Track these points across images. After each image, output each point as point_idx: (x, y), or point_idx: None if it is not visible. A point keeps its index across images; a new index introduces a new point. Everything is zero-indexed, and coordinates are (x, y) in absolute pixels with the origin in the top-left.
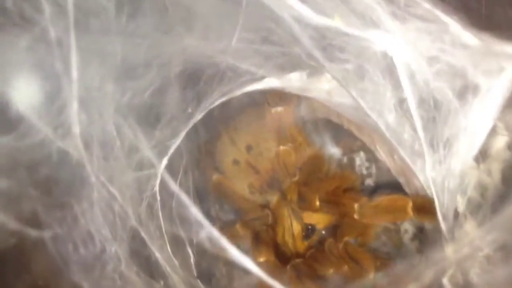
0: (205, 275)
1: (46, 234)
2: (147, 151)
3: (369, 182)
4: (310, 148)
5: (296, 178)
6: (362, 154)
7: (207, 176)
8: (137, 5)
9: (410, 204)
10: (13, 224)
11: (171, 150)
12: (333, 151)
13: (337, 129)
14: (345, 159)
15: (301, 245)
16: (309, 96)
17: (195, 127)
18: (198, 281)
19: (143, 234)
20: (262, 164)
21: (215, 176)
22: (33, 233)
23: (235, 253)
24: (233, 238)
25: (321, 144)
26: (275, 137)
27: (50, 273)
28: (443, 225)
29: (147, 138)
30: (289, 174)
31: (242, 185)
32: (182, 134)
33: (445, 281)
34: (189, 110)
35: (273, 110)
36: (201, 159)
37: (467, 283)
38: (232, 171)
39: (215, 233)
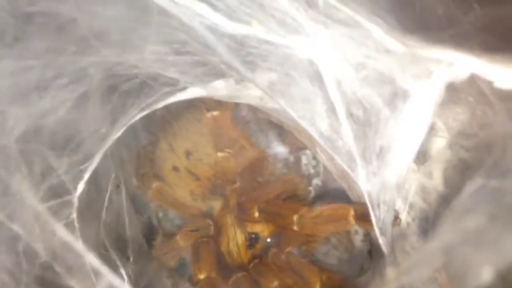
0: None
1: None
2: (58, 177)
3: (317, 181)
4: (254, 150)
5: (236, 185)
6: (308, 152)
7: (146, 184)
8: (23, 27)
9: (352, 212)
10: None
11: (88, 174)
12: (279, 149)
13: (281, 126)
14: (291, 158)
15: (245, 255)
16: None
17: (135, 131)
18: None
19: (57, 268)
20: (202, 171)
21: (154, 184)
22: None
23: None
24: (174, 251)
25: (266, 143)
26: (213, 143)
27: None
28: (381, 240)
29: (58, 163)
30: (228, 181)
31: (183, 193)
32: (98, 156)
33: None
34: (103, 130)
35: (209, 114)
36: (139, 166)
37: None
38: (172, 178)
39: (117, 282)
